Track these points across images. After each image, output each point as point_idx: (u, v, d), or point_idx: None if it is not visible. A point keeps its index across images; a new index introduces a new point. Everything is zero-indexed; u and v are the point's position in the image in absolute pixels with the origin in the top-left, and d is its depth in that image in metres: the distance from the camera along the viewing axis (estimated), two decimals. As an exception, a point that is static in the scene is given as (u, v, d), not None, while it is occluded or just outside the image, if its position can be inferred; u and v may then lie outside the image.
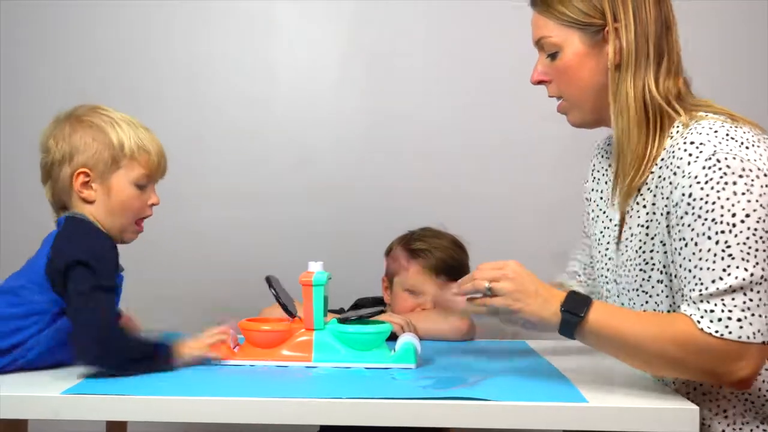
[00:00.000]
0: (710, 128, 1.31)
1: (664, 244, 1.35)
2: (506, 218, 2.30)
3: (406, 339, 1.50)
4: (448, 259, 1.93)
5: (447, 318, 1.77)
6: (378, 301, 2.00)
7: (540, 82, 1.47)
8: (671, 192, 1.31)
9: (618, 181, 1.44)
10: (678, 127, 1.36)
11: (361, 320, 1.56)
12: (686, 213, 1.28)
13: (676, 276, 1.33)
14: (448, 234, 1.99)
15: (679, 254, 1.30)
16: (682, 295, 1.30)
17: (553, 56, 1.43)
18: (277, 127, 2.33)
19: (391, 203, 2.17)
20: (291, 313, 1.53)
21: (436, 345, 1.69)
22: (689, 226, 1.28)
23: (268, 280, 1.55)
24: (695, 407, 1.23)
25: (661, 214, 1.35)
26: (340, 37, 2.33)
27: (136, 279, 2.32)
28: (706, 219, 1.26)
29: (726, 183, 1.26)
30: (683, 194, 1.29)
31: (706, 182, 1.27)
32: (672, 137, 1.36)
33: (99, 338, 1.34)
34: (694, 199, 1.28)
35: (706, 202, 1.26)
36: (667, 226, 1.33)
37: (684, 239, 1.29)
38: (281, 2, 2.34)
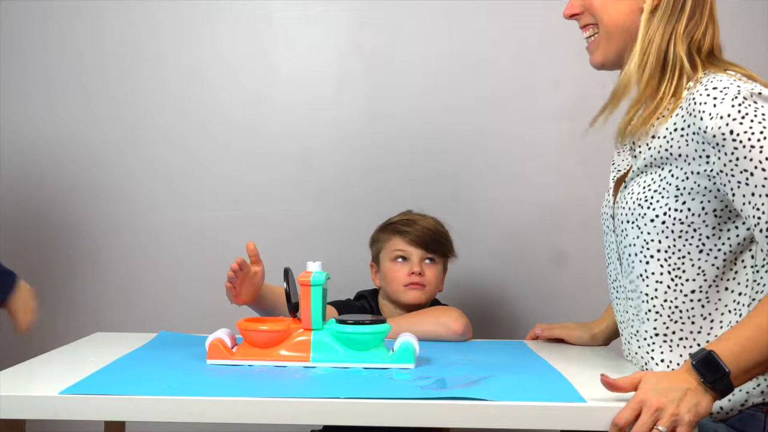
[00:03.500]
0: (730, 78, 1.36)
1: (678, 188, 1.38)
2: (507, 218, 2.30)
3: (404, 339, 1.50)
4: (432, 228, 1.96)
5: (441, 320, 1.77)
6: (376, 292, 2.00)
7: (573, 16, 1.53)
8: (703, 137, 1.34)
9: (607, 109, 1.49)
10: (699, 79, 1.40)
11: (360, 321, 1.56)
12: (736, 149, 1.31)
13: (740, 213, 1.34)
14: (429, 215, 2.02)
15: (747, 185, 1.31)
16: (764, 230, 1.31)
17: None
18: (276, 127, 2.33)
19: (391, 203, 2.16)
20: (293, 311, 1.53)
21: (435, 345, 1.69)
22: (746, 158, 1.30)
23: (286, 272, 1.55)
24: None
25: (686, 161, 1.37)
26: (340, 37, 2.33)
27: (136, 278, 2.33)
28: (762, 147, 1.29)
29: (764, 114, 1.31)
30: (723, 134, 1.31)
31: (743, 117, 1.31)
32: (689, 89, 1.40)
33: None
34: (738, 134, 1.30)
35: (753, 133, 1.30)
36: (708, 171, 1.35)
37: (747, 170, 1.30)
38: (281, 2, 2.33)
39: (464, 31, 2.30)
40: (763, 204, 1.30)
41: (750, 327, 1.27)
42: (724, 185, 1.34)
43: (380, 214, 2.08)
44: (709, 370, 1.23)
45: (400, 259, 1.93)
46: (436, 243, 1.95)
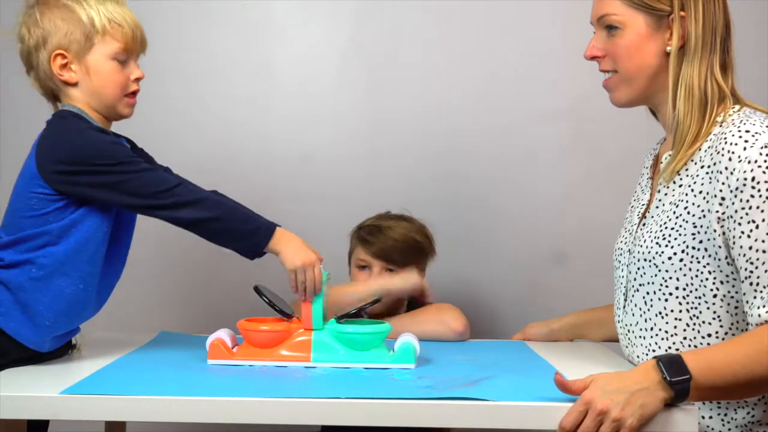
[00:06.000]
0: (765, 122, 1.35)
1: (695, 226, 1.37)
2: (506, 218, 2.30)
3: (405, 339, 1.50)
4: (400, 239, 1.93)
5: (441, 318, 1.77)
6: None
7: (593, 58, 1.51)
8: (727, 178, 1.33)
9: (672, 163, 1.45)
10: (731, 115, 1.39)
11: (360, 320, 1.56)
12: (752, 196, 1.30)
13: (736, 260, 1.32)
14: (410, 218, 2.00)
15: (749, 236, 1.30)
16: (754, 283, 1.30)
17: (613, 34, 1.46)
18: (276, 127, 2.33)
19: (391, 203, 2.15)
20: (288, 315, 1.53)
21: (436, 345, 1.69)
22: (759, 208, 1.30)
23: (257, 290, 1.55)
24: (695, 407, 1.23)
25: (704, 199, 1.36)
26: (340, 37, 2.33)
27: (136, 278, 2.33)
28: None
29: None
30: (745, 179, 1.30)
31: None
32: (720, 125, 1.39)
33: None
34: (759, 182, 1.30)
35: None
36: (719, 213, 1.33)
37: (754, 221, 1.30)
38: (281, 2, 2.33)
39: (464, 31, 2.30)
40: (757, 259, 1.30)
41: (724, 352, 1.28)
42: (730, 231, 1.33)
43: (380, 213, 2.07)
44: (672, 369, 1.23)
45: (362, 268, 1.94)
46: (399, 254, 1.92)
